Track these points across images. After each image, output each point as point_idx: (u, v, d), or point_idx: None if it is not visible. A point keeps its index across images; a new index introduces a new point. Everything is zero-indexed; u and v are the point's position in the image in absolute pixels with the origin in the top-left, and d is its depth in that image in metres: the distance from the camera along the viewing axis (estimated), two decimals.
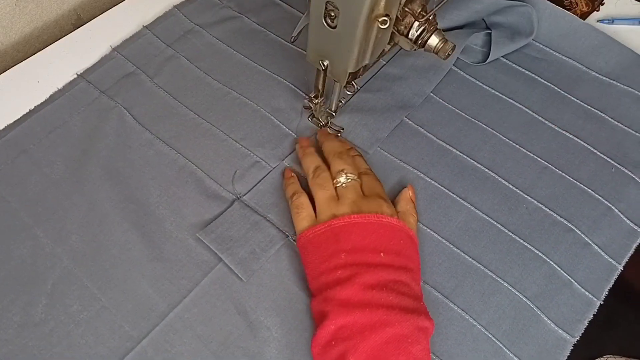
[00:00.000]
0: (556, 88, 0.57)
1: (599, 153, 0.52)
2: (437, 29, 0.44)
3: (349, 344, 0.38)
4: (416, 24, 0.43)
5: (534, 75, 0.58)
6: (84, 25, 0.61)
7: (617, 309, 0.63)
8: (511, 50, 0.58)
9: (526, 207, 0.49)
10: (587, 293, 0.46)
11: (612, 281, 0.47)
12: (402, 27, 0.43)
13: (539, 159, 0.52)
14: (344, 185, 0.45)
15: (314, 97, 0.50)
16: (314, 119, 0.54)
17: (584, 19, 0.63)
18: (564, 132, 0.54)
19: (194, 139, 0.53)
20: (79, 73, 0.57)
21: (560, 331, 0.44)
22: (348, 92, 0.47)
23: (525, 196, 0.50)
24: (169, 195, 0.50)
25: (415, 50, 0.45)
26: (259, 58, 0.59)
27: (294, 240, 0.47)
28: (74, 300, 0.44)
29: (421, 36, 0.43)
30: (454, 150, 0.52)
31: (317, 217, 0.45)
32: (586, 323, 0.45)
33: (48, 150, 0.52)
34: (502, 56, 0.59)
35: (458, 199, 0.49)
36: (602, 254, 0.48)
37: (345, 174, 0.46)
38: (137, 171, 0.51)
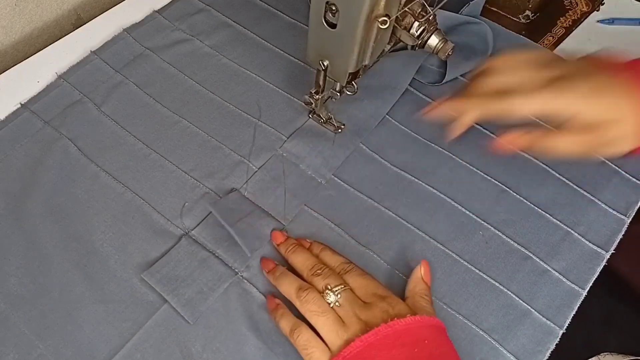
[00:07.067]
0: None
1: (557, 175, 0.52)
2: (437, 29, 0.44)
3: None
4: (416, 24, 0.43)
5: None
6: (84, 25, 0.61)
7: (617, 309, 0.63)
8: (467, 69, 0.57)
9: (482, 234, 0.48)
10: (547, 321, 0.45)
11: (575, 307, 0.45)
12: (402, 27, 0.43)
13: (497, 182, 0.51)
14: (337, 303, 0.40)
15: (314, 92, 0.49)
16: (315, 115, 0.53)
17: (584, 19, 0.64)
18: (523, 153, 0.53)
19: (142, 171, 0.51)
20: (22, 102, 0.55)
21: None
22: (348, 93, 0.47)
23: (482, 222, 0.49)
24: (114, 232, 0.48)
25: (417, 45, 0.45)
26: (211, 84, 0.57)
27: (243, 277, 0.45)
28: (10, 349, 0.42)
29: (421, 36, 0.43)
30: (409, 176, 0.51)
31: (330, 347, 0.39)
32: (548, 353, 0.44)
33: None
34: (460, 75, 0.58)
35: (413, 228, 0.48)
36: (563, 279, 0.46)
37: (332, 289, 0.40)
38: (81, 206, 0.49)
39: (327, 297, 0.40)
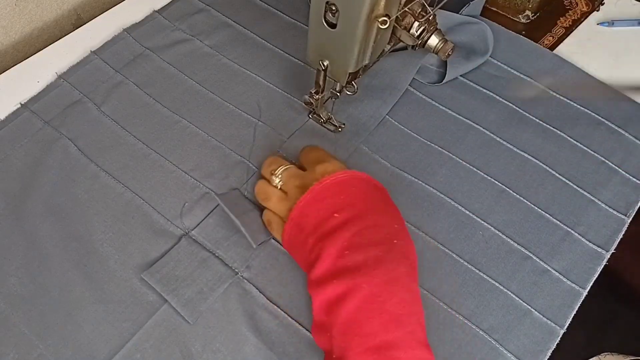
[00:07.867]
0: (514, 106, 0.56)
1: (557, 175, 0.51)
2: (437, 29, 0.44)
3: (329, 319, 0.38)
4: (416, 24, 0.43)
5: (492, 94, 0.57)
6: (84, 25, 0.62)
7: (617, 309, 0.63)
8: (467, 70, 0.57)
9: (482, 234, 0.48)
10: (548, 321, 0.44)
11: (576, 307, 0.45)
12: (402, 27, 0.44)
13: (497, 182, 0.51)
14: (280, 183, 0.45)
15: (314, 92, 0.49)
16: (315, 115, 0.53)
17: (583, 19, 0.64)
18: (522, 153, 0.53)
19: (142, 171, 0.51)
20: (22, 102, 0.55)
21: None
22: (348, 93, 0.48)
23: (482, 222, 0.49)
24: (114, 232, 0.48)
25: (417, 45, 0.45)
26: (211, 84, 0.57)
27: (243, 277, 0.45)
28: (10, 349, 0.42)
29: (421, 36, 0.44)
30: (409, 177, 0.51)
31: (282, 219, 0.44)
32: (548, 353, 0.43)
33: None
34: (460, 75, 0.58)
35: (413, 228, 0.48)
36: (564, 279, 0.46)
37: (274, 172, 0.45)
38: (81, 206, 0.49)
39: (273, 182, 0.45)
